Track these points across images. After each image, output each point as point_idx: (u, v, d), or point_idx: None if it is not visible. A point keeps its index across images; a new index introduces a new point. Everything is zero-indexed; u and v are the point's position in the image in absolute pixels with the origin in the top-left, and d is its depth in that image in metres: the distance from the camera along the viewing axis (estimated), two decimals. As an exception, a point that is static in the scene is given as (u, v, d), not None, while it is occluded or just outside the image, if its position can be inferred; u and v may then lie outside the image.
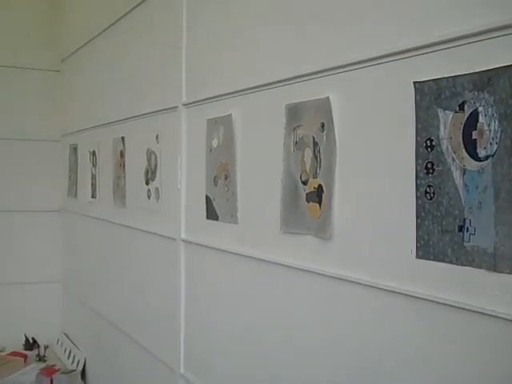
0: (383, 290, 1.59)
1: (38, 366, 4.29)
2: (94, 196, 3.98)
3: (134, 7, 3.22)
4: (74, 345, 4.44)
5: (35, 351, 4.55)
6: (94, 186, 3.97)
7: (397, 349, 1.56)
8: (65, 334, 4.71)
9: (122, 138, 3.40)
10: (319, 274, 1.82)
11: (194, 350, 2.64)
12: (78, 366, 4.19)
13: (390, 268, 1.58)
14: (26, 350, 4.59)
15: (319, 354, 1.85)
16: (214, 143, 2.41)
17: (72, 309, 4.63)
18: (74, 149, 4.42)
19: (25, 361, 4.38)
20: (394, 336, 1.57)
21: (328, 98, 1.77)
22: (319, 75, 1.82)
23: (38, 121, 4.81)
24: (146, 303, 3.13)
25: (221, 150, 2.37)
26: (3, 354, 4.47)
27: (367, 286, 1.64)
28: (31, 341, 4.64)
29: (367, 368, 1.66)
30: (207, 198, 2.47)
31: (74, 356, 4.32)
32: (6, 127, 4.69)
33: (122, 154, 3.41)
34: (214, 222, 2.42)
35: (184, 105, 2.65)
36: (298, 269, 1.92)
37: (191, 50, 2.63)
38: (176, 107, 2.72)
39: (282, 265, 2.00)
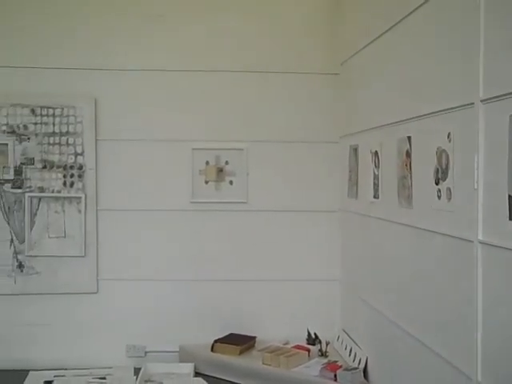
0: None
1: (320, 361, 4.45)
2: (376, 196, 3.99)
3: (421, 4, 3.16)
4: (355, 343, 4.51)
5: (317, 346, 4.71)
6: (376, 186, 3.99)
7: None
8: (344, 331, 4.81)
9: (408, 137, 3.35)
10: None
11: (494, 358, 2.50)
12: (359, 363, 4.24)
13: None
14: (308, 344, 4.79)
15: None
16: (519, 140, 2.27)
17: (352, 307, 4.71)
18: (355, 149, 4.49)
19: (308, 355, 4.56)
20: None
21: None
22: None
23: (317, 123, 5.01)
24: (436, 306, 3.04)
25: (527, 147, 2.22)
26: (288, 346, 4.71)
27: None
28: (313, 336, 4.82)
29: None
30: (510, 197, 2.33)
31: (355, 354, 4.38)
32: (288, 130, 4.99)
33: (407, 154, 3.37)
34: (519, 223, 2.28)
35: (482, 101, 2.53)
36: None
37: (489, 44, 2.50)
38: (472, 104, 2.60)
39: None
